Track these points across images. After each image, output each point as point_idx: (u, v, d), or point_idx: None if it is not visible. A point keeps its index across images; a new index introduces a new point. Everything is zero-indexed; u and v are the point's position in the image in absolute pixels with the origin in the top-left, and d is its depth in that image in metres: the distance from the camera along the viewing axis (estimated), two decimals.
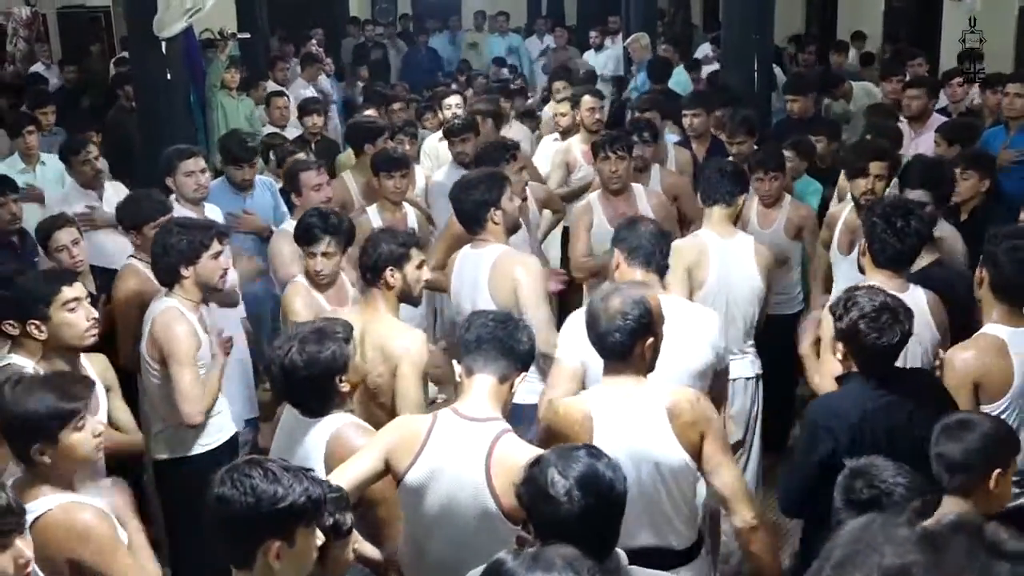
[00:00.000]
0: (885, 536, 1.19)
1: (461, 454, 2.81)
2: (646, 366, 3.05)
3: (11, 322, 3.67)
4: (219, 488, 2.27)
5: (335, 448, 3.05)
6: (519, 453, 2.74)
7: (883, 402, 3.17)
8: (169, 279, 4.03)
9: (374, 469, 2.90)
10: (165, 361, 3.95)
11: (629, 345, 2.97)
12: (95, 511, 2.79)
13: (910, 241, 3.79)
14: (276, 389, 3.28)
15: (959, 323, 3.86)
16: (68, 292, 3.64)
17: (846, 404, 3.20)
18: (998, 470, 2.71)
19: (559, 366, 3.59)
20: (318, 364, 3.06)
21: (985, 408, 3.41)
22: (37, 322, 3.60)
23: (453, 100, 7.74)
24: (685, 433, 2.95)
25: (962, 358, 3.48)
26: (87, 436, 2.87)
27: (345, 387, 3.13)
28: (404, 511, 2.99)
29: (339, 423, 3.12)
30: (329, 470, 2.95)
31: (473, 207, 4.28)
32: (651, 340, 3.02)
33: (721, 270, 4.50)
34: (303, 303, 4.39)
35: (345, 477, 2.81)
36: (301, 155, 6.30)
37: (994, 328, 3.52)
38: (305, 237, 4.45)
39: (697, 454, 2.98)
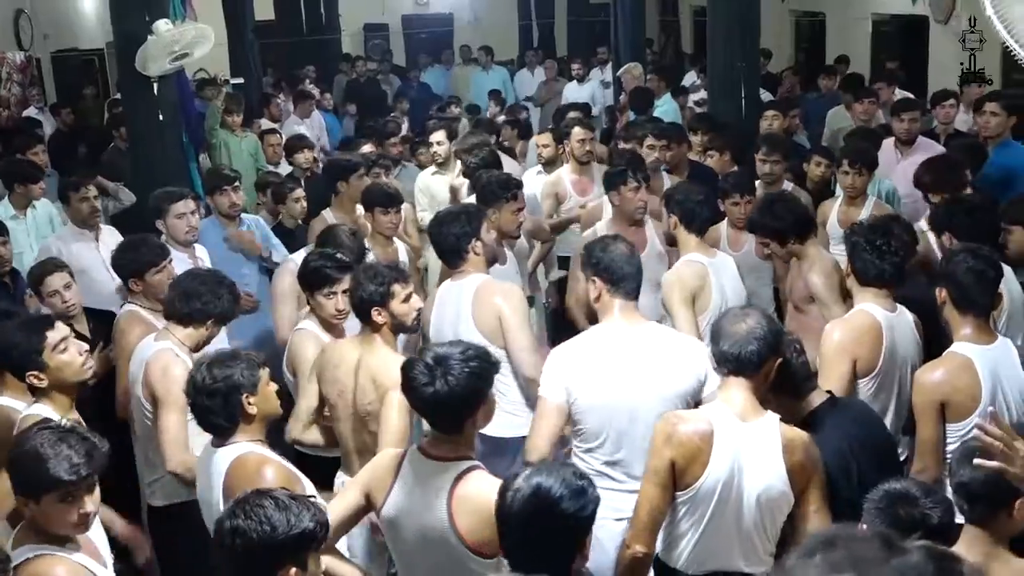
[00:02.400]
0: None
1: (425, 493, 2.86)
2: (766, 388, 3.12)
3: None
4: (232, 521, 2.32)
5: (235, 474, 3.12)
6: (483, 490, 2.78)
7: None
8: (193, 324, 4.04)
9: (356, 504, 3.02)
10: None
11: (764, 358, 3.04)
12: (70, 567, 2.75)
13: (891, 259, 3.82)
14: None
15: (934, 338, 3.90)
16: (54, 335, 3.64)
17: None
18: (1021, 499, 2.65)
19: (545, 403, 3.57)
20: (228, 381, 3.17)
21: (951, 427, 3.42)
22: (36, 372, 3.60)
23: (436, 137, 7.69)
24: (795, 471, 3.02)
25: (930, 378, 3.49)
26: (72, 511, 2.76)
27: (252, 409, 3.20)
28: (387, 541, 3.07)
29: (244, 450, 3.18)
30: (229, 495, 3.00)
31: (454, 240, 4.34)
32: (778, 361, 3.11)
33: (720, 290, 4.57)
34: (315, 350, 4.23)
35: (331, 513, 2.85)
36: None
37: (962, 347, 3.52)
38: (320, 280, 4.28)
39: (798, 495, 3.05)
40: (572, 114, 8.57)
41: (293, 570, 2.30)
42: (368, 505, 2.99)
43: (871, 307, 3.82)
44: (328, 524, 2.45)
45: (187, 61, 6.93)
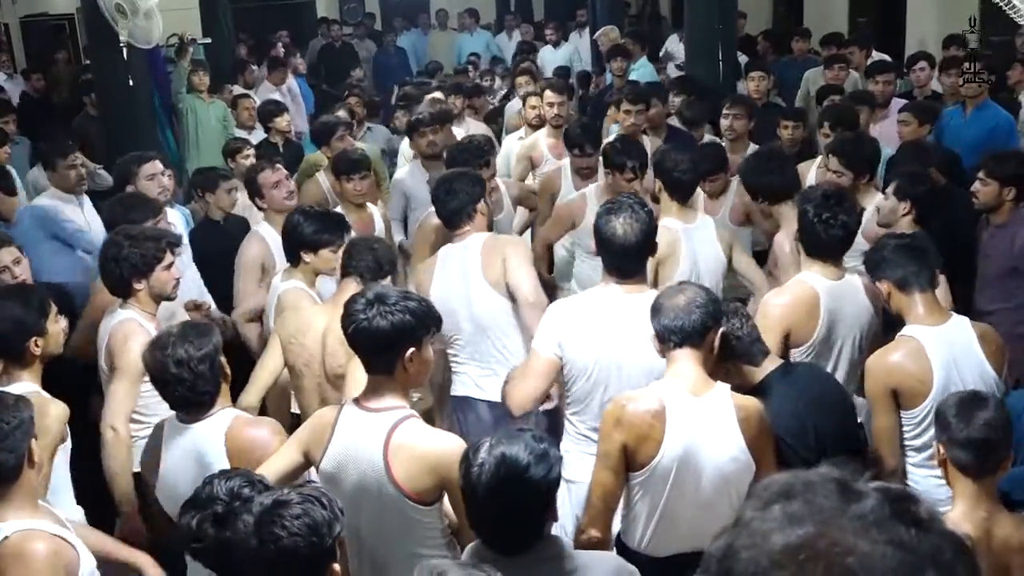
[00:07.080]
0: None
1: (361, 444, 2.90)
2: (712, 360, 3.09)
3: None
4: (268, 536, 2.21)
5: None
6: (419, 439, 2.86)
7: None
8: (122, 292, 3.98)
9: (295, 462, 3.03)
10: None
11: (709, 327, 3.01)
12: (51, 541, 2.69)
13: (834, 232, 3.70)
14: None
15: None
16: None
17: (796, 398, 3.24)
18: None
19: (536, 356, 3.58)
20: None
21: (905, 415, 3.39)
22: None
23: (435, 97, 7.71)
24: (753, 439, 3.01)
25: (879, 365, 3.42)
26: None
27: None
28: None
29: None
30: None
31: (459, 204, 4.31)
32: (719, 332, 3.09)
33: (691, 258, 4.47)
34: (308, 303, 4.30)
35: (270, 471, 2.91)
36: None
37: (912, 330, 3.44)
38: (322, 239, 4.29)
39: (757, 463, 3.03)
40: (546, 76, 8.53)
41: (336, 567, 2.29)
42: (307, 462, 3.02)
43: (811, 276, 3.76)
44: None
45: (123, 24, 6.77)
